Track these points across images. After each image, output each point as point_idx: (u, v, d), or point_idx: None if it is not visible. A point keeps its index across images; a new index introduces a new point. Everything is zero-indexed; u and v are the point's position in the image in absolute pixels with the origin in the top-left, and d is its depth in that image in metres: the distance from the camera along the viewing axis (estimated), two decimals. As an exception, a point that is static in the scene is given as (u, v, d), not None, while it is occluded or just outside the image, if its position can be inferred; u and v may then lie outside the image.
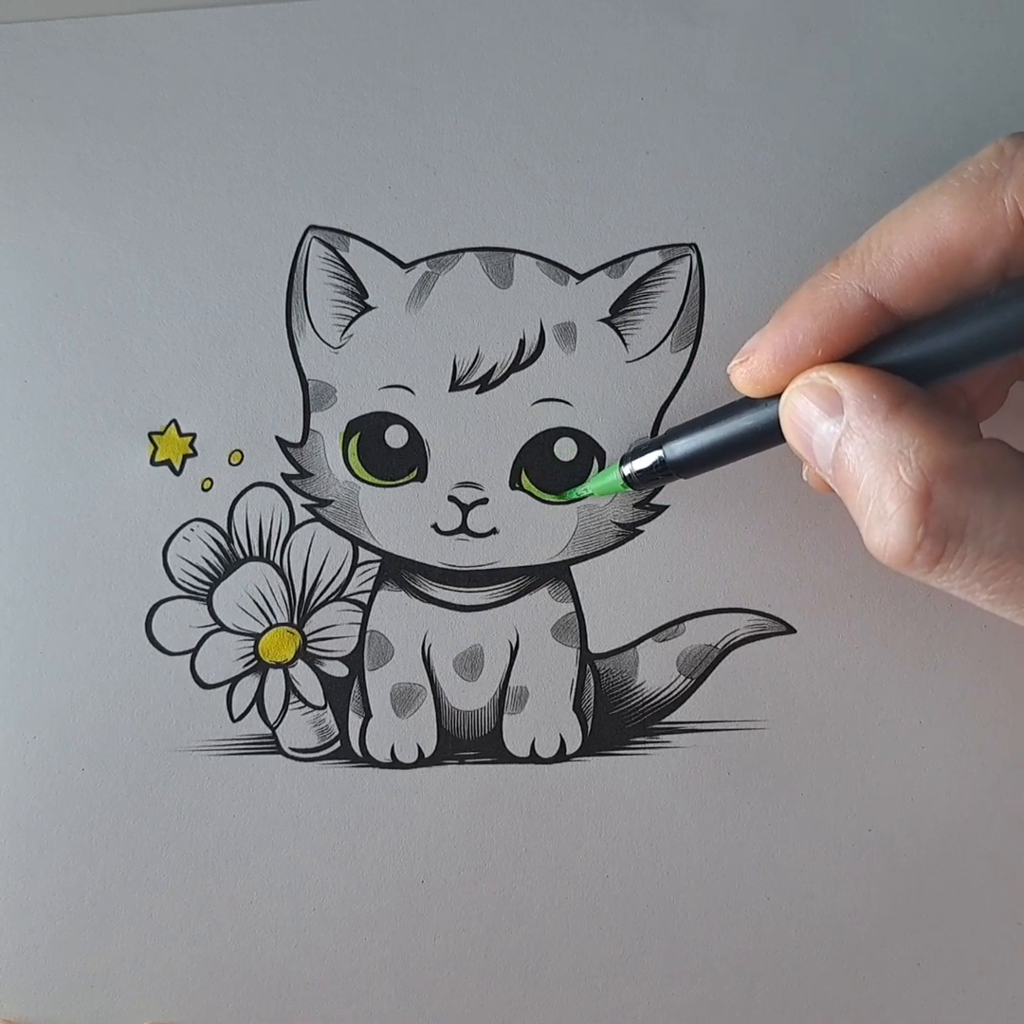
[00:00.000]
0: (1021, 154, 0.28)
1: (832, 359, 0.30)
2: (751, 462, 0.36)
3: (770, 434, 0.32)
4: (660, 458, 0.35)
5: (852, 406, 0.29)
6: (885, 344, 0.30)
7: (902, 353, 0.30)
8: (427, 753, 0.38)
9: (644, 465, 0.35)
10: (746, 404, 0.33)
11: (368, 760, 0.38)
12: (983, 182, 0.29)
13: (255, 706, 0.38)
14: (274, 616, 0.38)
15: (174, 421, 0.39)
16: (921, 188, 0.30)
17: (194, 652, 0.38)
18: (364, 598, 0.38)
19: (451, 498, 0.38)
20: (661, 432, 0.38)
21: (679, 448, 0.35)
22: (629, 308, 0.38)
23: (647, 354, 0.38)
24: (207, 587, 0.38)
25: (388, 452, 0.38)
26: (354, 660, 0.38)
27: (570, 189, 0.38)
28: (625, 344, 0.38)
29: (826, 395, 0.29)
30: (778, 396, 0.32)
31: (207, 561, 0.38)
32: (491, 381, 0.38)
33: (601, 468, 0.38)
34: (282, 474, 0.38)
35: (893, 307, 0.30)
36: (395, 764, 0.38)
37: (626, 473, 0.36)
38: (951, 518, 0.26)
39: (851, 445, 0.28)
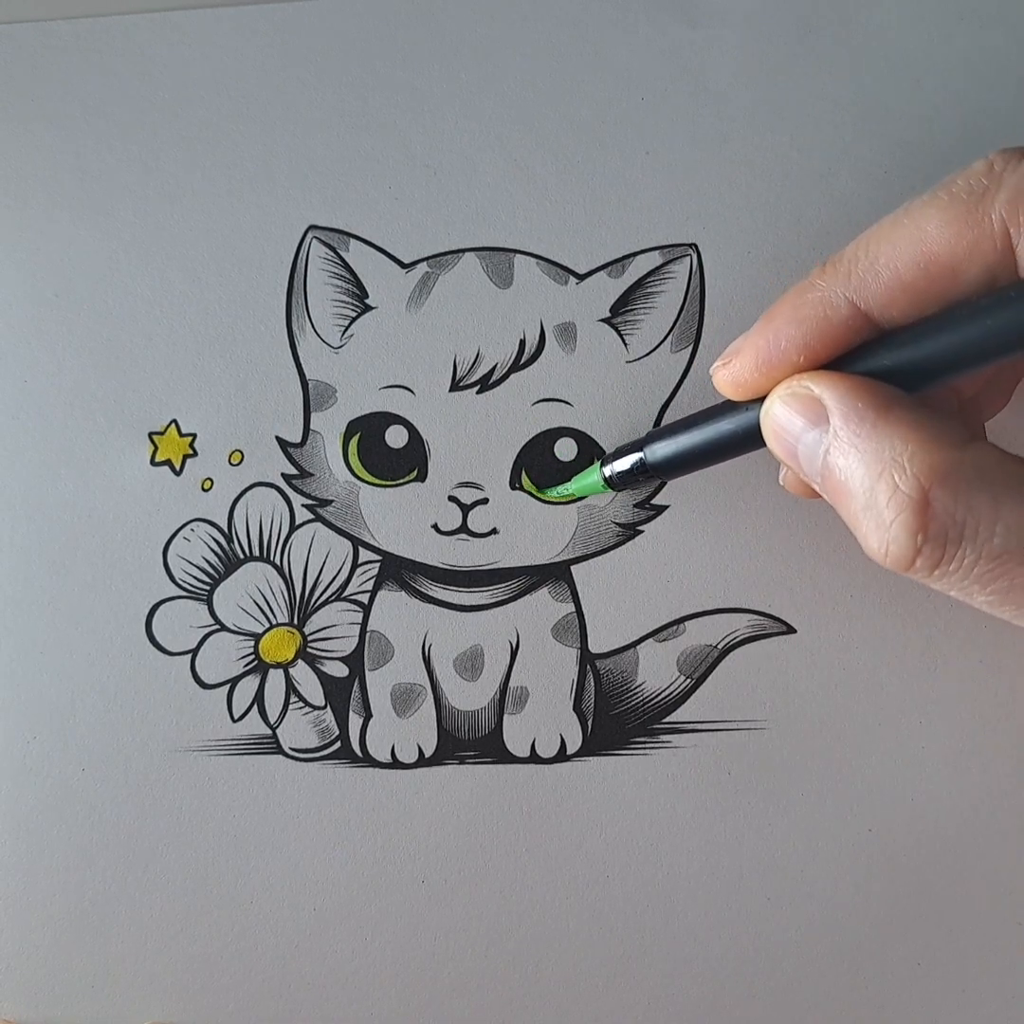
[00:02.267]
0: (1010, 169, 0.28)
1: (814, 366, 0.30)
2: (751, 462, 0.36)
3: (751, 438, 0.32)
4: (640, 460, 0.35)
5: (837, 415, 0.28)
6: (868, 351, 0.30)
7: (884, 360, 0.29)
8: (427, 753, 0.38)
9: (624, 466, 0.35)
10: (728, 407, 0.33)
11: (368, 760, 0.38)
12: (972, 196, 0.28)
13: (255, 706, 0.38)
14: (274, 616, 0.38)
15: (174, 421, 0.39)
16: (917, 192, 0.30)
17: (194, 652, 0.38)
18: (364, 598, 0.38)
19: (451, 498, 0.38)
20: None
21: (660, 450, 0.34)
22: (629, 308, 0.38)
23: (647, 354, 0.38)
24: (207, 587, 0.38)
25: (388, 452, 0.38)
26: (354, 660, 0.38)
27: (570, 189, 0.38)
28: (625, 344, 0.38)
29: (809, 405, 0.29)
30: (760, 400, 0.31)
31: (207, 561, 0.38)
32: (491, 381, 0.38)
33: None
34: (282, 474, 0.38)
35: (877, 317, 0.30)
36: (395, 764, 0.38)
37: (607, 474, 0.36)
38: (949, 523, 0.26)
39: (840, 454, 0.28)
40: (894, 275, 0.29)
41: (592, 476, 0.37)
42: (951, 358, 0.29)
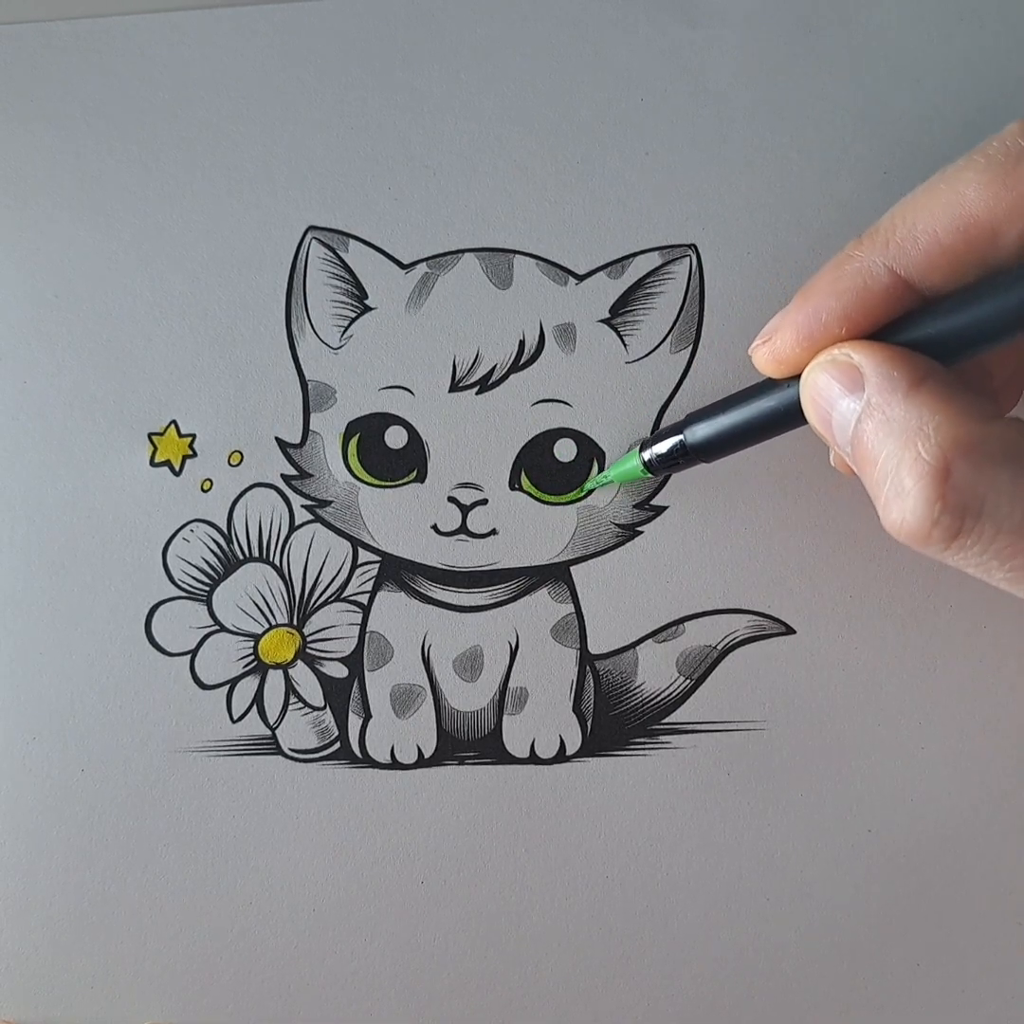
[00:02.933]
0: None
1: (856, 337, 0.30)
2: (752, 463, 0.36)
3: (792, 415, 0.32)
4: (681, 442, 0.35)
5: (873, 383, 0.28)
6: (908, 321, 0.30)
7: (925, 330, 0.29)
8: (427, 754, 0.38)
9: (665, 449, 0.35)
10: (767, 385, 0.33)
11: (368, 761, 0.38)
12: (1009, 158, 0.28)
13: (255, 707, 0.38)
14: (274, 617, 0.38)
15: (174, 422, 0.39)
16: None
17: (194, 653, 0.38)
18: (364, 599, 0.38)
19: (451, 499, 0.38)
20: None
21: (700, 431, 0.34)
22: (629, 309, 0.38)
23: (647, 355, 0.38)
24: (207, 588, 0.38)
25: (388, 453, 0.38)
26: (354, 661, 0.38)
27: (570, 189, 0.38)
28: (625, 345, 0.38)
29: (847, 372, 0.29)
30: (799, 377, 0.31)
31: (207, 562, 0.38)
32: (491, 382, 0.38)
33: (601, 469, 0.38)
34: (282, 475, 0.38)
35: (917, 284, 0.30)
36: (395, 765, 0.38)
37: (646, 458, 0.36)
38: (969, 495, 0.26)
39: (871, 422, 0.28)
40: (933, 240, 0.29)
41: (631, 461, 0.36)
42: (993, 325, 0.29)
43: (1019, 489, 0.26)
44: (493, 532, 0.38)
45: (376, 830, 0.38)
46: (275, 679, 0.38)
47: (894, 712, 0.37)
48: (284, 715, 0.38)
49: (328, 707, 0.38)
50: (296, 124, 0.39)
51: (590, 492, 0.38)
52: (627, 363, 0.38)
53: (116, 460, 0.39)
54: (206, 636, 0.38)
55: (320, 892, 0.38)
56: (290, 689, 0.38)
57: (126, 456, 0.39)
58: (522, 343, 0.38)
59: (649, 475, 0.36)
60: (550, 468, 0.38)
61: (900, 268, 0.30)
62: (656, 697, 0.38)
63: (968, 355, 0.29)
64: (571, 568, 0.38)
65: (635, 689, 0.38)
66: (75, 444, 0.39)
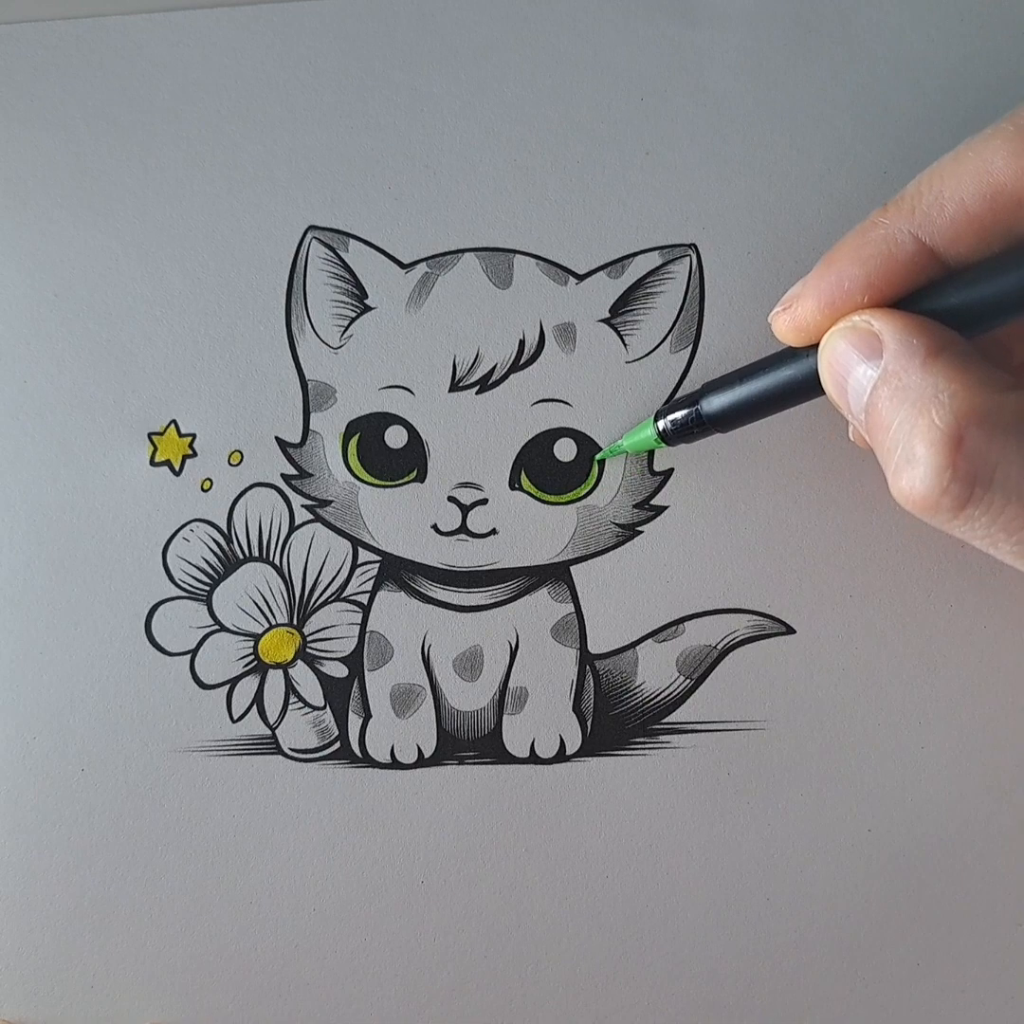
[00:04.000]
0: None
1: (877, 305, 0.30)
2: (752, 463, 0.36)
3: (809, 384, 0.32)
4: (696, 410, 0.34)
5: (891, 350, 0.28)
6: (930, 291, 0.30)
7: (947, 299, 0.29)
8: (427, 754, 0.38)
9: (679, 417, 0.35)
10: (786, 354, 0.33)
11: (368, 761, 0.38)
12: None
13: (255, 707, 0.38)
14: (274, 616, 0.38)
15: (174, 422, 0.39)
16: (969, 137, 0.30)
17: (194, 652, 0.38)
18: (364, 598, 0.38)
19: (451, 498, 0.38)
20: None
21: (717, 401, 0.34)
22: (629, 308, 0.38)
23: (647, 354, 0.38)
24: (207, 588, 0.38)
25: (388, 452, 0.38)
26: (354, 661, 0.38)
27: (570, 189, 0.38)
28: (625, 344, 0.38)
29: (866, 338, 0.29)
30: (818, 346, 0.31)
31: (207, 562, 0.38)
32: (491, 382, 0.38)
33: (600, 469, 0.38)
34: (282, 474, 0.38)
35: (942, 253, 0.30)
36: (395, 764, 0.38)
37: (661, 427, 0.36)
38: (981, 464, 0.26)
39: (886, 388, 0.28)
40: (960, 208, 0.29)
41: (645, 431, 0.36)
42: (1016, 297, 0.28)
43: None
44: (493, 532, 0.38)
45: (376, 830, 0.38)
46: (275, 679, 0.38)
47: (894, 712, 0.37)
48: (284, 715, 0.38)
49: (328, 707, 0.38)
50: (296, 124, 0.39)
51: (602, 463, 0.38)
52: (627, 363, 0.38)
53: (116, 460, 0.39)
54: (206, 636, 0.38)
55: (320, 892, 0.38)
56: (290, 689, 0.38)
57: (126, 456, 0.39)
58: (522, 343, 0.38)
59: (663, 445, 0.36)
60: (550, 468, 0.38)
61: (925, 236, 0.29)
62: (656, 697, 0.38)
63: (990, 326, 0.29)
64: (571, 568, 0.38)
65: (635, 689, 0.38)
66: (75, 444, 0.39)
